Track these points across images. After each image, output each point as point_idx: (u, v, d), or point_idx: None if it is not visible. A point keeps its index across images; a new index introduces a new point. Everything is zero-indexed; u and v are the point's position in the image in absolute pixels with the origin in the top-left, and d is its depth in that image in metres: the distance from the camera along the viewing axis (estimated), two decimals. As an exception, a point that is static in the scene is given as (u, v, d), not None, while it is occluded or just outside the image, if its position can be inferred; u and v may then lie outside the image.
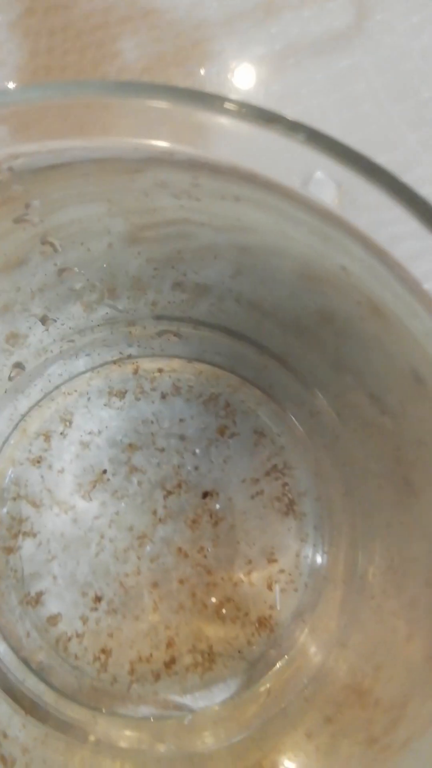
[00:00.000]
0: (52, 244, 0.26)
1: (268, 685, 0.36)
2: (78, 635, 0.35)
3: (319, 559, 0.36)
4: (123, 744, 0.34)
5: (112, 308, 0.32)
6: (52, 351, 0.34)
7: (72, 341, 0.34)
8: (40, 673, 0.35)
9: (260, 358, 0.35)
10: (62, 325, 0.33)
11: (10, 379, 0.34)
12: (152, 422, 0.37)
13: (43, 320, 0.31)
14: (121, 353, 0.36)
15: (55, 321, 0.31)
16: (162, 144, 0.22)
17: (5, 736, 0.33)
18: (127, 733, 0.34)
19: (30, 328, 0.32)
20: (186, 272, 0.33)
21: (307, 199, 0.24)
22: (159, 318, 0.34)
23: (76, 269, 0.29)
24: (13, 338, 0.31)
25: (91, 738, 0.34)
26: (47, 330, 0.32)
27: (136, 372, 0.37)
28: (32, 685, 0.35)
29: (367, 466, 0.34)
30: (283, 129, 0.20)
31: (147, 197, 0.27)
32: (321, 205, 0.25)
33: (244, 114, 0.20)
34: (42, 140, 0.21)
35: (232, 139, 0.24)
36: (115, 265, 0.30)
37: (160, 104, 0.19)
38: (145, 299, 0.33)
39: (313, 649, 0.35)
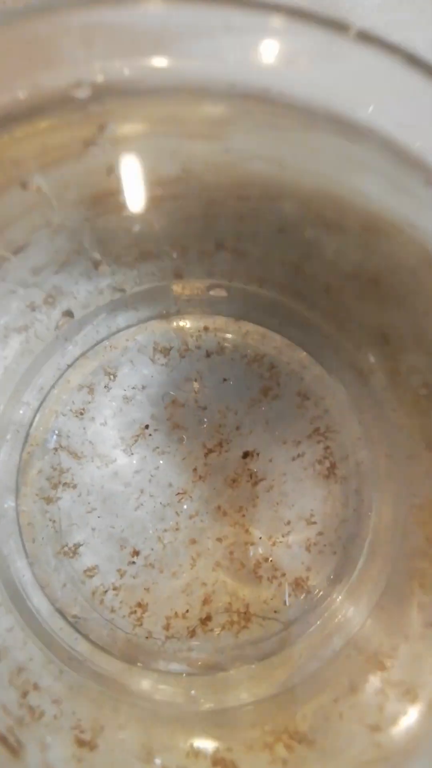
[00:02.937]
0: (116, 175, 0.25)
1: (301, 647, 0.34)
2: (114, 588, 0.34)
3: (358, 523, 0.35)
4: (157, 696, 0.33)
5: (164, 257, 0.31)
6: (100, 301, 0.32)
7: (122, 291, 0.33)
8: (76, 624, 0.34)
9: (308, 319, 0.34)
10: (114, 273, 0.32)
11: (57, 327, 0.33)
12: (195, 380, 0.36)
13: (96, 265, 0.30)
14: (167, 309, 0.35)
15: (108, 267, 0.30)
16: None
17: (36, 687, 0.31)
18: (161, 686, 0.33)
19: (82, 274, 0.30)
20: (235, 229, 0.31)
21: (390, 142, 0.23)
22: (209, 274, 0.33)
23: (136, 212, 0.28)
24: (65, 283, 0.29)
25: (124, 690, 0.33)
26: (98, 277, 0.31)
27: (181, 329, 0.36)
28: (67, 635, 0.33)
29: (413, 432, 0.33)
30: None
31: (227, 153, 0.26)
32: (403, 148, 0.23)
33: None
34: (132, 58, 0.19)
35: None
36: (176, 213, 0.29)
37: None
38: (197, 252, 0.32)
39: (350, 612, 0.33)
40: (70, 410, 0.35)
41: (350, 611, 0.33)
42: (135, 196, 0.28)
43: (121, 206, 0.26)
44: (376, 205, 0.27)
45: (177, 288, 0.33)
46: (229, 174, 0.27)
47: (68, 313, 0.32)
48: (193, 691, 0.33)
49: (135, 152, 0.24)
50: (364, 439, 0.35)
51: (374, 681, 0.31)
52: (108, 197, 0.25)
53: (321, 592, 0.34)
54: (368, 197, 0.27)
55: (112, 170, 0.24)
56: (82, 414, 0.35)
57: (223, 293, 0.33)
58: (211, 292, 0.34)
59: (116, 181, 0.25)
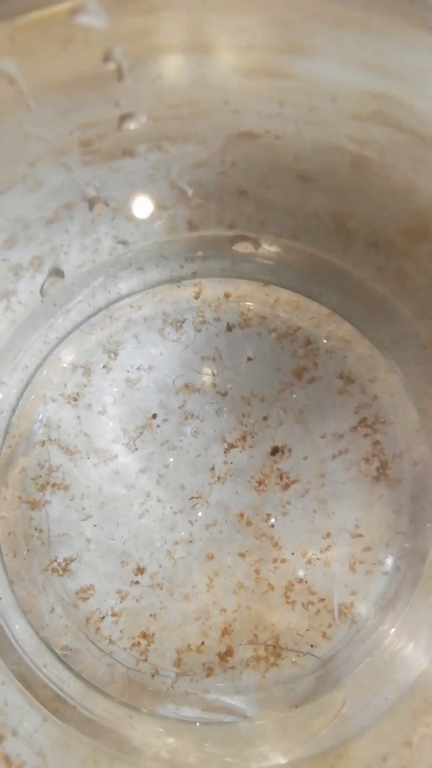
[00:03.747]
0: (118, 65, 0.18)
1: (344, 691, 0.28)
2: (113, 614, 0.28)
3: (416, 537, 0.28)
4: (164, 754, 0.26)
5: (176, 200, 0.24)
6: (97, 258, 0.26)
7: (124, 243, 0.26)
8: (65, 658, 0.27)
9: (355, 280, 0.27)
10: (114, 218, 0.25)
11: (42, 292, 0.26)
12: (214, 359, 0.29)
13: (92, 203, 0.23)
14: (181, 268, 0.29)
15: (107, 206, 0.23)
16: None
17: (15, 733, 0.25)
18: (170, 740, 0.27)
19: (73, 217, 0.24)
20: (258, 176, 0.25)
21: None
22: (231, 225, 0.27)
23: (144, 133, 0.21)
24: (53, 233, 0.23)
25: (122, 742, 0.27)
26: (94, 223, 0.24)
27: (197, 296, 0.29)
28: (54, 673, 0.27)
29: None
30: None
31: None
32: None
33: None
34: None
35: None
36: (189, 146, 0.23)
37: None
38: (216, 197, 0.25)
39: (407, 649, 0.27)
40: (62, 395, 0.29)
41: (408, 648, 0.26)
42: (137, 106, 0.21)
43: (121, 117, 0.20)
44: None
45: (192, 241, 0.27)
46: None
47: (56, 272, 0.25)
48: (207, 746, 0.26)
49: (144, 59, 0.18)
50: (423, 431, 0.28)
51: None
52: (101, 98, 0.19)
53: (369, 622, 0.27)
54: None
55: (109, 58, 0.18)
56: (75, 400, 0.29)
57: (249, 247, 0.27)
58: (235, 247, 0.27)
59: (115, 75, 0.19)
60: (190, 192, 0.23)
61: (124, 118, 0.20)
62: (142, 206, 0.24)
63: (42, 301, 0.26)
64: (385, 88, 0.21)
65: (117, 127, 0.20)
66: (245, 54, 0.20)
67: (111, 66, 0.19)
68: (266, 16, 0.19)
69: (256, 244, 0.27)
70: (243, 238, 0.27)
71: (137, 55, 0.19)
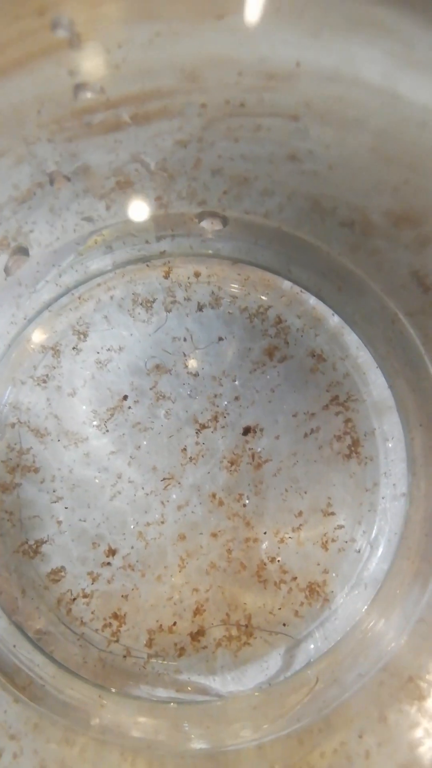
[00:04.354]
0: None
1: (317, 669, 0.27)
2: (85, 595, 0.27)
3: (389, 514, 0.28)
4: (135, 733, 0.26)
5: (144, 178, 0.24)
6: (64, 234, 0.26)
7: (89, 219, 0.26)
8: (37, 641, 0.27)
9: (326, 257, 0.27)
10: (78, 191, 0.25)
11: (7, 270, 0.26)
12: (185, 340, 0.29)
13: (52, 178, 0.22)
14: (149, 246, 0.28)
15: (69, 181, 0.23)
16: None
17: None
18: (141, 719, 0.26)
19: (35, 193, 0.23)
20: (231, 149, 0.24)
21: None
22: (201, 202, 0.26)
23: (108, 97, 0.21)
24: (11, 201, 0.22)
25: (96, 723, 0.27)
26: (58, 197, 0.24)
27: (167, 276, 0.29)
28: (26, 655, 0.27)
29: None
30: None
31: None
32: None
33: None
34: None
35: None
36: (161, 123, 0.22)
37: None
38: (186, 175, 0.25)
39: (379, 626, 0.26)
40: (31, 377, 0.28)
41: (380, 625, 0.26)
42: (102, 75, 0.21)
43: (76, 87, 0.19)
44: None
45: (160, 219, 0.26)
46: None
47: (20, 250, 0.25)
48: (186, 726, 0.26)
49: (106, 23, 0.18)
50: (395, 409, 0.27)
51: (410, 712, 0.24)
52: (54, 68, 0.18)
53: (342, 601, 0.27)
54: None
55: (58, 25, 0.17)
56: (45, 382, 0.28)
57: (217, 225, 0.26)
58: (203, 223, 0.27)
59: (67, 43, 0.18)
60: (153, 165, 0.23)
61: (79, 87, 0.19)
62: (106, 181, 0.24)
63: (6, 279, 0.25)
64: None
65: (73, 97, 0.19)
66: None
67: (62, 34, 0.18)
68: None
69: (224, 221, 0.26)
70: (211, 215, 0.26)
71: (91, 22, 0.19)
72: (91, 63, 0.21)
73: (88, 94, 0.19)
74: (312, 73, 0.22)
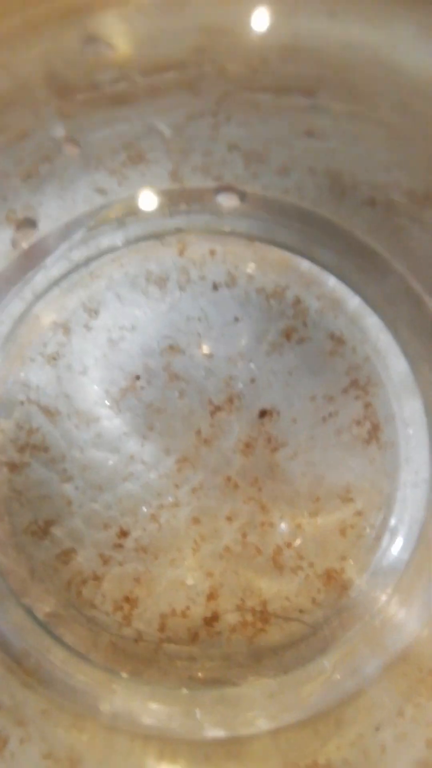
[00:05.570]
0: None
1: (334, 658, 0.27)
2: (96, 578, 0.27)
3: (409, 501, 0.27)
4: (146, 720, 0.25)
5: (160, 145, 0.23)
6: (74, 207, 0.25)
7: (101, 192, 0.25)
8: (46, 624, 0.26)
9: (346, 235, 0.26)
10: (87, 164, 0.23)
11: (14, 243, 0.24)
12: (199, 320, 0.28)
13: (61, 144, 0.21)
14: (163, 222, 0.27)
15: (80, 148, 0.22)
16: None
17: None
18: (153, 705, 0.26)
19: (45, 163, 0.22)
20: (247, 124, 0.23)
21: None
22: (217, 177, 0.25)
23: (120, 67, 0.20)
24: (19, 170, 0.21)
25: (106, 709, 0.26)
26: (68, 167, 0.23)
27: (181, 253, 0.28)
28: (35, 639, 0.26)
29: None
30: None
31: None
32: None
33: None
34: None
35: None
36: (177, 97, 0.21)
37: None
38: (200, 152, 0.24)
39: (399, 616, 0.26)
40: (41, 355, 0.27)
41: (401, 614, 0.25)
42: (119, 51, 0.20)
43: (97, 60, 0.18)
44: None
45: (174, 193, 0.25)
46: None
47: (28, 222, 0.24)
48: (197, 713, 0.25)
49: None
50: (418, 394, 0.26)
51: (428, 707, 0.23)
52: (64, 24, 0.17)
53: (361, 588, 0.26)
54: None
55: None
56: (55, 360, 0.27)
57: (234, 200, 0.25)
58: (219, 198, 0.26)
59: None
60: (167, 134, 0.21)
61: (90, 48, 0.18)
62: (118, 154, 0.23)
63: (13, 251, 0.24)
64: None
65: (84, 61, 0.18)
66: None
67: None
68: None
69: (242, 197, 0.25)
70: (228, 189, 0.25)
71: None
72: (105, 26, 0.20)
73: (100, 58, 0.18)
74: (330, 47, 0.21)
